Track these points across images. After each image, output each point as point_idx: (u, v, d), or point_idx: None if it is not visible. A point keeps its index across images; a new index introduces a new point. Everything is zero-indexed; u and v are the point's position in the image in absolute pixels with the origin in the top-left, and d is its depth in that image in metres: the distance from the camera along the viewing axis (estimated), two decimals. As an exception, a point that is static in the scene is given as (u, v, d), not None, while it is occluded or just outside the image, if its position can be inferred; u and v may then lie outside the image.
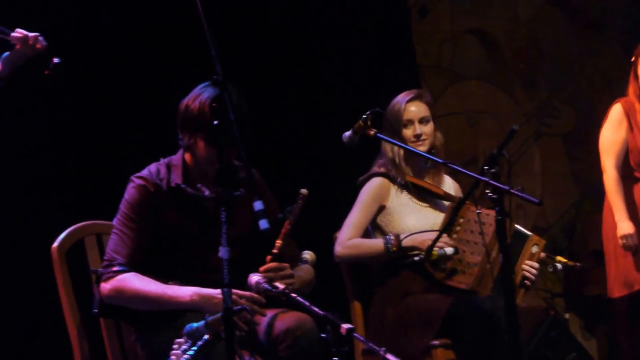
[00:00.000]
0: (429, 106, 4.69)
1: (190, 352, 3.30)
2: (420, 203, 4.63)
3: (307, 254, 4.04)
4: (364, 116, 4.22)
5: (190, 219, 3.87)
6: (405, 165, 4.64)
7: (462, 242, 4.48)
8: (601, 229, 5.68)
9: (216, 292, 3.58)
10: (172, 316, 3.68)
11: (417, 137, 4.57)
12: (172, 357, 3.25)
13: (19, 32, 3.91)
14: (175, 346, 3.28)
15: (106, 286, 3.76)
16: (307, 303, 3.48)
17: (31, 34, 3.94)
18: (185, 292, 3.71)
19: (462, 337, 4.37)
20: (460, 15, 6.49)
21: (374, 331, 4.52)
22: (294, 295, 3.56)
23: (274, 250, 3.78)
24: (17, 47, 3.94)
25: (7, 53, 3.97)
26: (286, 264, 3.79)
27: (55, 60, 3.92)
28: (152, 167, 3.95)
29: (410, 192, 4.61)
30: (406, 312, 4.45)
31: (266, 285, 3.64)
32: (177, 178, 3.89)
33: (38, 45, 3.94)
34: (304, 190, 3.83)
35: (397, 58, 5.99)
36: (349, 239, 4.56)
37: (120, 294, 3.75)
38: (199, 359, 3.35)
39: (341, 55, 5.98)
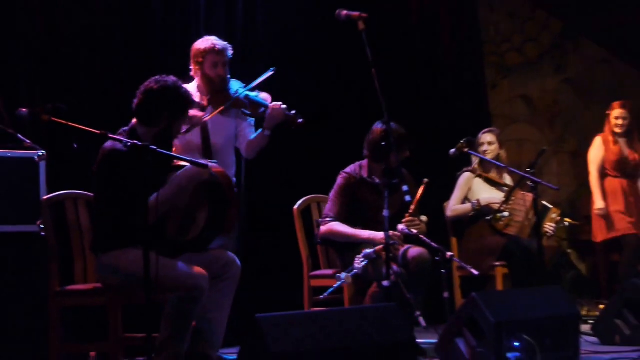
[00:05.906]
0: (494, 134, 6.10)
1: (364, 262, 4.74)
2: (489, 186, 6.08)
3: (424, 217, 5.20)
4: (461, 141, 5.58)
5: (370, 195, 5.17)
6: (484, 166, 6.08)
7: (512, 210, 5.86)
8: (590, 204, 7.09)
9: (381, 234, 4.60)
10: (356, 245, 5.02)
11: (484, 152, 6.02)
12: (355, 263, 4.70)
13: (276, 104, 4.71)
14: (356, 259, 4.77)
15: (323, 228, 5.17)
16: (428, 240, 4.83)
17: (283, 106, 4.71)
18: (365, 233, 5.05)
19: (512, 260, 5.70)
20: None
21: (463, 256, 5.77)
22: (421, 236, 4.93)
23: (410, 211, 4.99)
24: (270, 112, 4.72)
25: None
26: (416, 218, 5.02)
27: (299, 120, 4.80)
28: (352, 166, 5.27)
29: (484, 180, 6.10)
30: (481, 245, 5.82)
31: (407, 230, 4.95)
32: (364, 173, 5.23)
33: (286, 112, 4.74)
34: (425, 180, 5.10)
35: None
36: (453, 206, 6.00)
37: (330, 233, 5.14)
38: (369, 267, 4.75)
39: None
